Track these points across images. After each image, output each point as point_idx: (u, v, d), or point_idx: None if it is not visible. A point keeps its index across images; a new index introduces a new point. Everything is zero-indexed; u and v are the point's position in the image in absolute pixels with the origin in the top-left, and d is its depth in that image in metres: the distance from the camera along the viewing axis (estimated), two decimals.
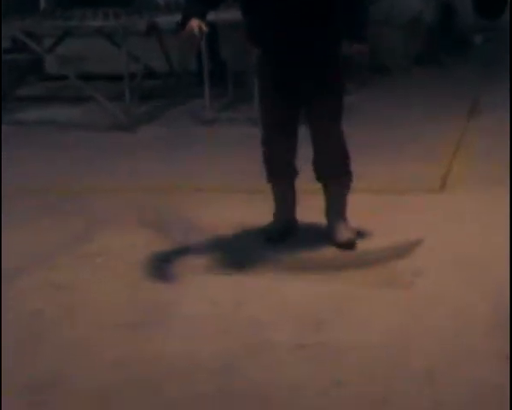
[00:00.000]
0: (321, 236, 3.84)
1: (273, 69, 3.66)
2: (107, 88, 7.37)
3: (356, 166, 4.87)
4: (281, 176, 3.83)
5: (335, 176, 3.77)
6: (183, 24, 3.48)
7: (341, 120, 3.73)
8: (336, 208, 3.81)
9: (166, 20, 7.14)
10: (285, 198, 3.87)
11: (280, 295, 3.28)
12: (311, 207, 3.97)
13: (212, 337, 2.94)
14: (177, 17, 6.33)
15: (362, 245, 3.73)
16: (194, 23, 3.41)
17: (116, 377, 2.70)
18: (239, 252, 3.75)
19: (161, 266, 3.61)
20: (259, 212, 4.07)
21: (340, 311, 3.11)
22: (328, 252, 3.69)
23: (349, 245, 3.72)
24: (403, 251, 3.59)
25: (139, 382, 2.67)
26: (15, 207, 4.44)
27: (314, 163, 3.76)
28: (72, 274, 3.57)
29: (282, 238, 3.80)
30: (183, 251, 3.78)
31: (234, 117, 6.76)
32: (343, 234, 3.74)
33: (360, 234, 3.82)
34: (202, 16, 3.48)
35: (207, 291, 3.33)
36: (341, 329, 2.97)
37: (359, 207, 4.26)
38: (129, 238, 3.97)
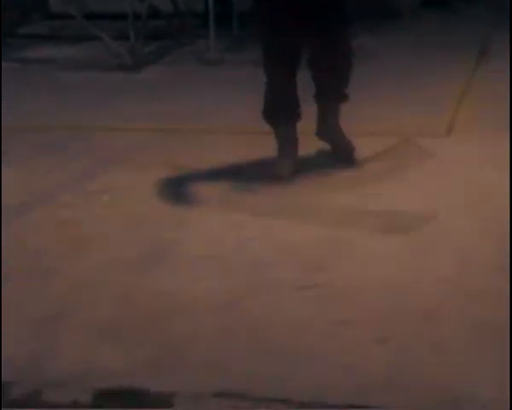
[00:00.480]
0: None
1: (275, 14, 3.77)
2: (111, 27, 7.28)
3: (363, 109, 4.88)
4: (283, 118, 3.93)
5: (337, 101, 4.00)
6: None
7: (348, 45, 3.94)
8: (337, 119, 4.05)
9: None
10: (288, 140, 3.96)
11: (282, 236, 3.28)
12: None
13: (215, 277, 2.96)
14: None
15: (369, 189, 3.71)
16: None
17: (119, 312, 2.73)
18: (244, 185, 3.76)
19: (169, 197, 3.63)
20: (264, 152, 4.05)
21: (343, 253, 3.12)
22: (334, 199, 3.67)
23: (353, 159, 4.02)
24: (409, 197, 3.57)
25: (142, 317, 2.71)
26: (16, 145, 4.42)
27: (319, 96, 3.95)
28: (77, 211, 3.58)
29: (290, 175, 3.89)
30: (186, 187, 3.78)
31: (239, 58, 6.69)
32: (349, 146, 4.05)
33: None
34: None
35: (211, 232, 3.33)
36: (343, 271, 2.99)
37: (366, 150, 4.26)
38: (134, 177, 3.97)
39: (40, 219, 3.49)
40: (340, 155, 4.09)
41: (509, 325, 2.52)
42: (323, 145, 4.14)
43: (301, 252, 3.13)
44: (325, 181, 3.86)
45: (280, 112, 3.91)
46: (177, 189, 3.82)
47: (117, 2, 7.13)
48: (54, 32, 7.90)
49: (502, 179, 3.77)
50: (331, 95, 3.98)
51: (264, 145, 4.24)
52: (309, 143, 4.09)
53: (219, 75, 6.22)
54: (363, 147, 4.34)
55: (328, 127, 4.06)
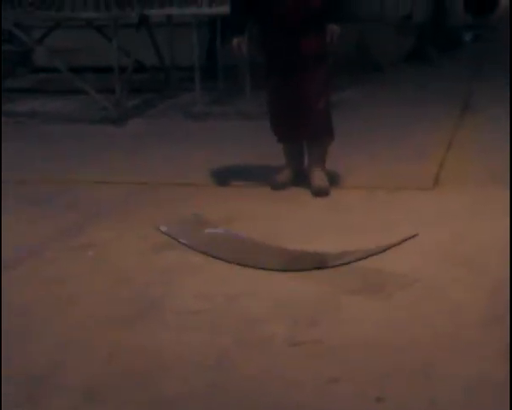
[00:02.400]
0: None
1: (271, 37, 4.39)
2: (96, 81, 7.32)
3: (348, 162, 4.91)
4: (287, 137, 4.51)
5: (317, 138, 4.45)
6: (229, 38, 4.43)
7: (327, 89, 4.45)
8: (315, 158, 4.49)
9: (157, 13, 7.08)
10: (292, 154, 4.56)
11: (271, 291, 3.24)
12: None
13: (205, 332, 2.90)
14: (168, 10, 6.33)
15: (355, 243, 3.68)
16: (235, 43, 4.33)
17: (108, 370, 2.66)
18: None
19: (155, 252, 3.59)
20: (251, 206, 4.03)
21: (333, 309, 3.06)
22: (315, 252, 3.62)
23: (322, 192, 4.36)
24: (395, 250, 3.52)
25: (131, 375, 2.63)
26: (4, 198, 4.37)
27: (295, 127, 4.40)
28: (63, 267, 3.52)
29: (284, 188, 4.49)
30: (176, 244, 3.74)
31: (225, 111, 6.72)
32: (318, 181, 4.40)
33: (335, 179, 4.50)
34: (241, 32, 4.39)
35: (199, 287, 3.29)
36: (335, 327, 2.93)
37: (351, 203, 4.26)
38: (120, 231, 3.93)
39: (25, 276, 3.43)
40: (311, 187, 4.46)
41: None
42: None
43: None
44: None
45: (281, 130, 4.47)
46: (162, 243, 3.77)
47: (102, 55, 7.17)
48: (39, 86, 7.93)
49: (491, 230, 3.77)
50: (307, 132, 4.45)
51: (251, 199, 4.25)
52: None
53: (205, 128, 6.24)
54: (350, 199, 4.34)
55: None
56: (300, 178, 4.54)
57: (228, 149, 5.40)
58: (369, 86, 7.67)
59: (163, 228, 3.87)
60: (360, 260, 3.40)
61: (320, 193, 4.38)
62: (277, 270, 3.41)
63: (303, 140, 4.52)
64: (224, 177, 4.77)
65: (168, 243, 3.75)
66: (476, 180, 4.62)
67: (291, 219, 4.05)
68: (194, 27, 6.53)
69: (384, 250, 3.44)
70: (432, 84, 7.75)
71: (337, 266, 3.39)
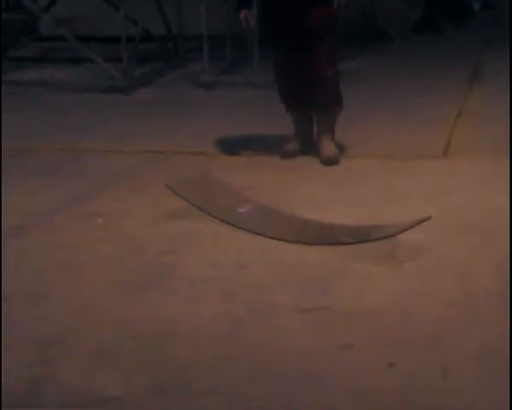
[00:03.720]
0: None
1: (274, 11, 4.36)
2: (103, 50, 7.28)
3: (358, 132, 4.89)
4: (295, 107, 4.48)
5: (325, 108, 4.43)
6: (237, 11, 4.38)
7: (335, 58, 4.42)
8: (324, 128, 4.47)
9: None
10: (301, 124, 4.54)
11: (282, 259, 3.24)
12: None
13: (216, 301, 2.91)
14: None
15: (366, 213, 3.66)
16: (242, 15, 4.33)
17: (118, 337, 2.67)
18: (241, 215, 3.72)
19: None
20: (258, 177, 4.02)
21: (344, 277, 3.06)
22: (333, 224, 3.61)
23: (332, 161, 4.36)
24: (408, 226, 3.50)
25: (143, 342, 2.64)
26: (12, 167, 4.37)
27: (303, 97, 4.39)
28: (72, 234, 3.52)
29: (294, 157, 4.50)
30: (186, 212, 3.74)
31: (233, 80, 6.68)
32: (327, 151, 4.40)
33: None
34: (249, 4, 4.41)
35: (210, 255, 3.29)
36: (345, 294, 2.93)
37: (362, 173, 4.24)
38: (129, 200, 3.93)
39: (33, 243, 3.43)
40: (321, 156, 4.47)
41: None
42: None
43: None
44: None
45: (290, 99, 4.46)
46: (173, 211, 3.77)
47: (109, 24, 7.13)
48: (45, 55, 7.89)
49: (502, 198, 3.76)
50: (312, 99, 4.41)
51: (259, 169, 4.24)
52: None
53: (213, 97, 6.21)
54: (360, 168, 4.33)
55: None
56: (310, 148, 4.53)
57: (237, 118, 5.38)
58: (377, 56, 7.61)
59: (172, 185, 3.83)
60: (387, 237, 3.36)
61: (330, 162, 4.36)
62: (302, 242, 3.39)
63: (311, 110, 4.50)
64: (233, 146, 4.76)
65: (179, 212, 3.74)
66: (486, 150, 4.60)
67: (301, 188, 4.04)
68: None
69: (406, 229, 3.39)
70: (441, 54, 7.68)
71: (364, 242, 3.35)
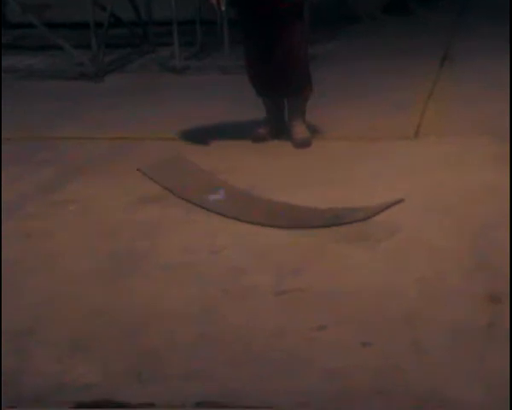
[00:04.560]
0: None
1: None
2: (72, 36, 7.19)
3: (328, 115, 4.89)
4: (265, 91, 4.45)
5: (296, 92, 4.41)
6: None
7: (305, 41, 4.40)
8: (295, 111, 4.45)
9: None
10: (272, 108, 4.50)
11: (256, 242, 3.24)
12: None
13: (191, 285, 2.91)
14: None
15: (340, 194, 3.68)
16: None
17: (93, 324, 2.67)
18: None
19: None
20: (233, 159, 4.02)
21: (318, 258, 3.08)
22: (307, 207, 3.61)
23: (304, 144, 4.37)
24: (379, 208, 3.52)
25: (118, 328, 2.64)
26: None
27: (273, 81, 4.37)
28: (45, 222, 3.50)
29: (265, 141, 4.47)
30: (159, 197, 3.73)
31: (203, 65, 6.65)
32: (299, 134, 4.39)
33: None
34: None
35: (184, 239, 3.28)
36: (320, 276, 2.95)
37: (334, 155, 4.26)
38: (102, 186, 3.90)
39: (6, 231, 3.40)
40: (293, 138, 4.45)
41: None
42: None
43: None
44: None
45: (260, 84, 4.42)
46: (146, 197, 3.76)
47: (78, 10, 7.04)
48: (13, 42, 7.78)
49: (472, 178, 3.80)
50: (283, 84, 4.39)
51: (230, 154, 4.23)
52: None
53: (184, 82, 6.17)
54: (332, 150, 4.34)
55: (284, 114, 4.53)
56: (281, 132, 4.52)
57: (208, 102, 5.35)
58: (347, 39, 7.62)
59: (144, 169, 3.83)
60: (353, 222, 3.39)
61: (302, 144, 4.37)
62: (275, 226, 3.39)
63: (282, 93, 4.49)
64: (205, 130, 4.74)
65: (151, 197, 3.73)
66: (456, 130, 4.63)
67: (274, 172, 4.04)
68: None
69: (377, 212, 3.42)
70: (411, 35, 7.69)
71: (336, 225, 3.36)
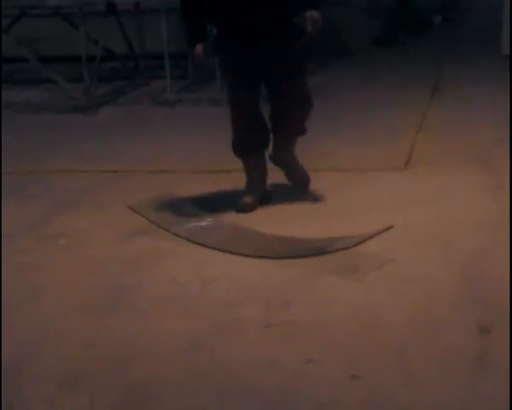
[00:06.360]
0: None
1: (231, 43, 3.78)
2: (65, 70, 7.24)
3: (320, 146, 4.91)
4: (251, 149, 3.97)
5: (300, 132, 4.02)
6: (190, 46, 3.84)
7: (305, 83, 3.92)
8: (288, 148, 4.06)
9: (125, 0, 7.02)
10: (257, 170, 4.02)
11: (245, 275, 3.24)
12: None
13: (180, 318, 2.90)
14: None
15: (331, 226, 3.68)
16: (199, 49, 3.77)
17: (83, 358, 2.65)
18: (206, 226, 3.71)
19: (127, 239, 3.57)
20: (225, 191, 4.02)
21: (307, 291, 3.07)
22: (294, 238, 3.60)
23: (305, 183, 4.09)
24: (369, 236, 3.53)
25: (106, 363, 2.62)
26: None
27: (276, 128, 3.95)
28: (34, 256, 3.49)
29: (252, 210, 3.94)
30: (148, 230, 3.73)
31: (195, 98, 6.69)
32: (297, 175, 4.10)
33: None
34: (204, 37, 3.81)
35: (173, 272, 3.28)
36: (308, 308, 2.94)
37: (324, 187, 4.26)
38: (92, 220, 3.90)
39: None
40: (294, 184, 4.15)
41: None
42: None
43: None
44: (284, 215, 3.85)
45: (248, 143, 3.94)
46: (135, 230, 3.76)
47: (70, 44, 7.09)
48: (6, 76, 7.81)
49: (462, 209, 3.81)
50: (288, 128, 3.98)
51: (224, 184, 4.24)
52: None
53: (176, 115, 6.20)
54: (322, 181, 4.35)
55: (282, 155, 4.08)
56: (266, 197, 4.06)
57: (200, 135, 5.38)
58: (339, 71, 7.68)
59: (133, 207, 3.87)
60: (343, 249, 3.40)
61: (304, 190, 4.11)
62: (264, 257, 3.39)
63: (285, 135, 4.01)
64: (197, 163, 4.75)
65: (141, 230, 3.74)
66: (447, 160, 4.65)
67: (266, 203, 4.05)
68: (163, 14, 6.48)
69: (366, 239, 3.44)
70: (402, 68, 7.77)
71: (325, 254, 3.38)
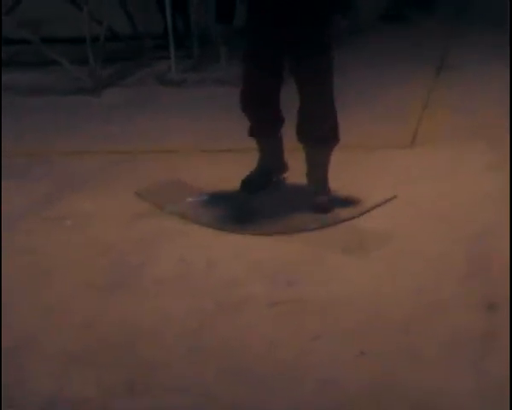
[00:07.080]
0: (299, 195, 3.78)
1: (260, 25, 3.61)
2: (69, 51, 7.21)
3: None
4: (264, 125, 3.76)
5: (321, 139, 3.68)
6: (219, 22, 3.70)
7: (331, 83, 3.68)
8: (318, 171, 3.75)
9: None
10: (270, 148, 3.84)
11: (250, 254, 3.23)
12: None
13: (185, 298, 2.90)
14: None
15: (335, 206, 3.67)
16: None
17: (88, 338, 2.66)
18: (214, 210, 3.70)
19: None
20: (230, 171, 4.01)
21: (312, 268, 3.08)
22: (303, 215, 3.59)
23: (324, 209, 3.61)
24: (373, 205, 3.54)
25: (112, 342, 2.63)
26: None
27: (300, 123, 3.66)
28: (39, 237, 3.49)
29: (257, 190, 3.81)
30: (154, 212, 3.72)
31: (200, 78, 6.66)
32: (319, 198, 3.66)
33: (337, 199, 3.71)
34: (229, 21, 3.66)
35: (179, 252, 3.27)
36: (313, 286, 2.94)
37: (331, 164, 4.23)
38: (98, 201, 3.90)
39: (2, 247, 3.39)
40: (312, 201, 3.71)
41: None
42: None
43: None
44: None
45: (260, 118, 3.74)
46: (141, 211, 3.75)
47: (74, 25, 7.06)
48: (9, 58, 7.79)
49: (467, 185, 3.79)
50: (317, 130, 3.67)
51: (229, 164, 4.22)
52: None
53: (181, 95, 6.18)
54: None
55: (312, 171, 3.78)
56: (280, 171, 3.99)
57: (205, 115, 5.35)
58: (344, 48, 7.61)
59: (140, 193, 3.86)
60: (349, 220, 3.39)
61: (324, 209, 3.65)
62: (267, 234, 3.38)
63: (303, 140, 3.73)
64: (203, 143, 4.73)
65: (147, 212, 3.73)
66: (453, 138, 4.62)
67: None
68: None
69: (369, 210, 3.44)
70: (408, 44, 7.70)
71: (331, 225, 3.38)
